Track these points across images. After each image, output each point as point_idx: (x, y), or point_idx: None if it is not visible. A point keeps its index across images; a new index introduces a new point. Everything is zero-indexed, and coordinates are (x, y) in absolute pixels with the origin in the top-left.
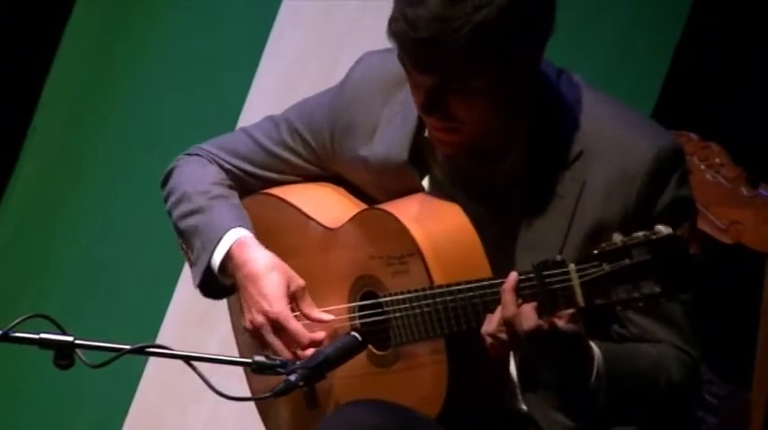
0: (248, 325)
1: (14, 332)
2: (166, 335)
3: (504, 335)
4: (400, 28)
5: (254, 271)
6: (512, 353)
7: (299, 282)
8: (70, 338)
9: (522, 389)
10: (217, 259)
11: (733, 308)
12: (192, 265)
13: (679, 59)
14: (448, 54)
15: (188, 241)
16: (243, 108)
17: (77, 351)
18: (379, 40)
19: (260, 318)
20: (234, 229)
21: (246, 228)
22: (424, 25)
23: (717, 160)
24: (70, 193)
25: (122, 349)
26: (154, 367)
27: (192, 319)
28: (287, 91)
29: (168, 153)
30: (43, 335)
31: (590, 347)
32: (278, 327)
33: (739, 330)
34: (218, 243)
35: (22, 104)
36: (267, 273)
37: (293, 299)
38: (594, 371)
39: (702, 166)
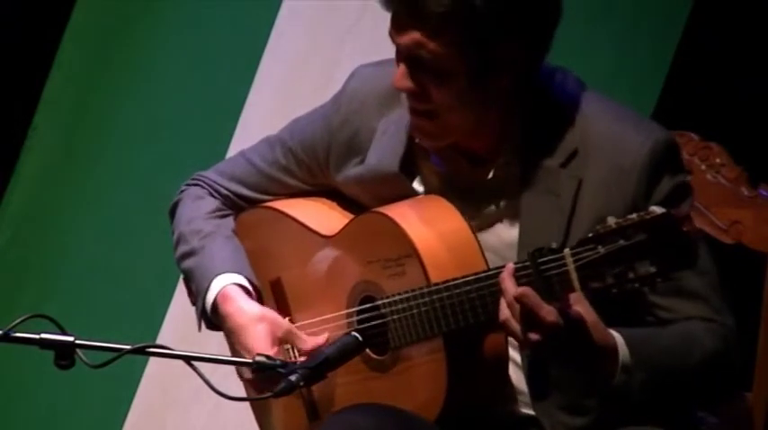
0: (240, 378)
1: (15, 332)
2: (166, 335)
3: (514, 323)
4: None
5: (238, 324)
6: (511, 359)
7: (284, 326)
8: (71, 338)
9: (532, 397)
10: (208, 305)
11: (733, 308)
12: (193, 305)
13: (679, 59)
14: (423, 15)
15: (188, 283)
16: (243, 108)
17: (78, 351)
18: (380, 40)
19: (248, 374)
20: (219, 277)
21: (233, 269)
22: None
23: (717, 160)
24: (70, 193)
25: (122, 349)
26: (154, 367)
27: (192, 319)
28: (287, 91)
29: (168, 153)
30: (44, 336)
31: (609, 335)
32: None
33: (739, 330)
34: (207, 290)
35: (22, 104)
36: (250, 325)
37: (284, 343)
38: (619, 363)
39: (703, 167)
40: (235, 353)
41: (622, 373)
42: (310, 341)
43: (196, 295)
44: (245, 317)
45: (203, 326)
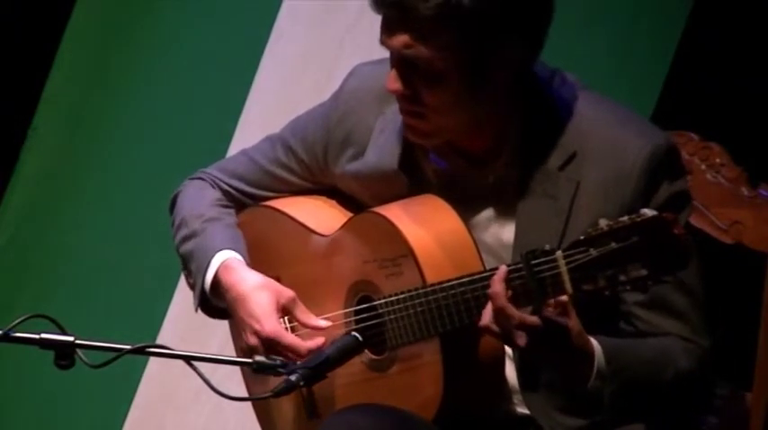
0: (245, 347)
1: (15, 332)
2: (166, 335)
3: (496, 328)
4: None
5: (241, 293)
6: (508, 357)
7: (287, 294)
8: (71, 338)
9: (522, 389)
10: (207, 283)
11: (733, 308)
12: (192, 289)
13: (679, 59)
14: (412, 19)
15: (186, 266)
16: (243, 108)
17: (78, 351)
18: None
19: (254, 340)
20: (220, 252)
21: (235, 248)
22: None
23: (717, 160)
24: (70, 193)
25: (122, 349)
26: (154, 367)
27: (192, 319)
28: (287, 91)
29: (168, 153)
30: (44, 336)
31: (588, 342)
32: (273, 345)
33: (739, 330)
34: (207, 267)
35: (22, 104)
36: (254, 293)
37: (286, 312)
38: (594, 369)
39: (703, 167)
40: (238, 323)
41: (596, 380)
42: (312, 317)
43: (195, 274)
44: (248, 284)
45: (199, 309)
